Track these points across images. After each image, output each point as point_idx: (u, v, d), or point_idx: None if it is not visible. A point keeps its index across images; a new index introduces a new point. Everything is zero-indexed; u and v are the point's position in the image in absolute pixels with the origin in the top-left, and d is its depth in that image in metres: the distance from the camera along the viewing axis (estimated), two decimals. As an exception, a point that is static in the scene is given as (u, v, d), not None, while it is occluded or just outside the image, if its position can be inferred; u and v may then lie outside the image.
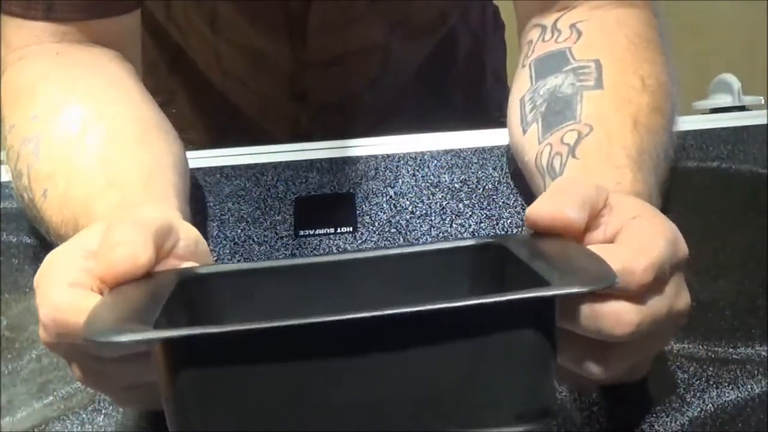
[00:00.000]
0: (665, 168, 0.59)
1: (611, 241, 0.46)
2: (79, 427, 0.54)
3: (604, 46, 0.63)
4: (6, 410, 0.56)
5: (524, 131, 0.62)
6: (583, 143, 0.56)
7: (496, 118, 0.91)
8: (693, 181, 0.70)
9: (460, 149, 0.74)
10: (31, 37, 0.65)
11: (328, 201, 0.70)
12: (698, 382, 0.55)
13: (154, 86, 0.69)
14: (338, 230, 0.67)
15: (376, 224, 0.68)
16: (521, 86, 0.65)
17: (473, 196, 0.70)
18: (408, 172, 0.72)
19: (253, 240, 0.67)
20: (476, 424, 0.40)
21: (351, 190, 0.71)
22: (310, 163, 0.73)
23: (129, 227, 0.45)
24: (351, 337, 0.38)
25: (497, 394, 0.40)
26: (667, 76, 0.62)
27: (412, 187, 0.71)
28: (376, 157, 0.74)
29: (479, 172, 0.72)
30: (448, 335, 0.39)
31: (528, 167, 0.62)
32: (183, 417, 0.39)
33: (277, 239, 0.67)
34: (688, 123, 0.75)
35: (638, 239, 0.45)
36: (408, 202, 0.69)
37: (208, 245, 0.55)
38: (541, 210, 0.46)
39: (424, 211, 0.69)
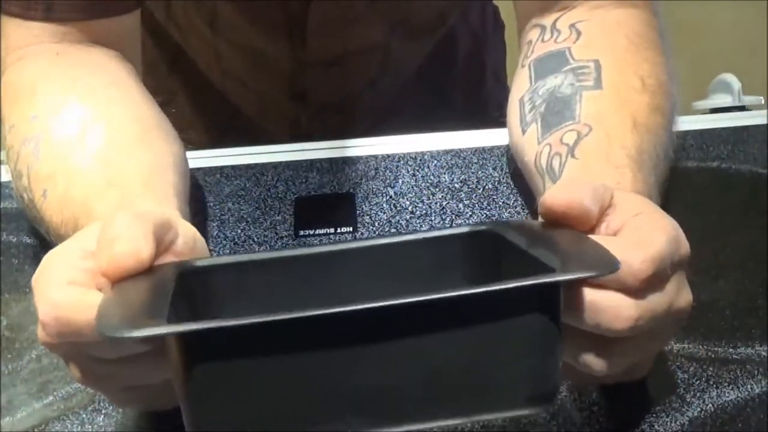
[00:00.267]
0: (665, 168, 0.59)
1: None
2: (79, 427, 0.54)
3: (603, 46, 0.63)
4: (6, 410, 0.56)
5: (524, 131, 0.62)
6: (582, 143, 0.56)
7: (496, 118, 0.91)
8: (693, 181, 0.70)
9: (460, 149, 0.74)
10: (30, 37, 0.65)
11: (328, 201, 0.70)
12: (698, 382, 0.55)
13: (154, 86, 0.69)
14: (338, 230, 0.67)
15: (376, 224, 0.68)
16: (521, 86, 0.65)
17: (473, 196, 0.70)
18: (408, 172, 0.72)
19: (253, 240, 0.67)
20: (483, 409, 0.40)
21: (351, 190, 0.71)
22: (310, 163, 0.73)
23: (128, 221, 0.45)
24: (362, 326, 0.38)
25: (504, 379, 0.40)
26: (667, 76, 0.62)
27: (412, 187, 0.71)
28: (376, 157, 0.74)
29: (479, 172, 0.72)
30: (456, 323, 0.39)
31: (527, 167, 0.62)
32: (198, 410, 0.39)
33: (277, 239, 0.67)
34: (688, 123, 0.75)
35: (638, 234, 0.45)
36: (408, 202, 0.69)
37: (208, 245, 0.55)
38: (559, 197, 0.46)
39: (424, 211, 0.69)
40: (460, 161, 0.73)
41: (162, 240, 0.46)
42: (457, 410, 0.40)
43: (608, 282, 0.42)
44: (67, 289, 0.44)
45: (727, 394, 0.54)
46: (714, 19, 2.07)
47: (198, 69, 0.91)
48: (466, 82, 0.99)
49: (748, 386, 0.54)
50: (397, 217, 0.68)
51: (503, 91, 0.69)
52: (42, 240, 0.64)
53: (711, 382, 0.55)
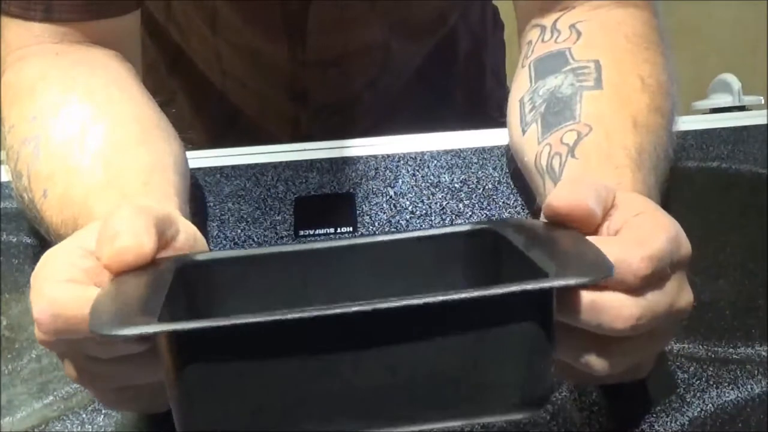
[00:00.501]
0: (665, 168, 0.59)
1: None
2: (79, 427, 0.54)
3: (603, 46, 0.63)
4: (6, 410, 0.56)
5: (524, 131, 0.62)
6: (582, 143, 0.56)
7: (496, 118, 0.91)
8: (693, 181, 0.70)
9: (460, 149, 0.74)
10: (30, 37, 0.65)
11: (328, 201, 0.70)
12: (698, 382, 0.55)
13: (154, 86, 0.69)
14: (338, 230, 0.67)
15: (376, 224, 0.68)
16: (521, 86, 0.65)
17: (473, 196, 0.70)
18: (408, 172, 0.72)
19: (253, 240, 0.67)
20: (473, 412, 0.41)
21: (351, 190, 0.71)
22: (310, 163, 0.73)
23: (130, 215, 0.44)
24: (352, 328, 0.39)
25: (494, 383, 0.40)
26: (666, 76, 0.62)
27: (412, 187, 0.71)
28: (376, 157, 0.74)
29: (479, 172, 0.72)
30: (446, 326, 0.39)
31: (527, 167, 0.62)
32: (187, 409, 0.39)
33: (277, 239, 0.67)
34: (688, 123, 0.75)
35: (638, 233, 0.45)
36: (408, 202, 0.69)
37: (208, 245, 0.55)
38: (563, 199, 0.46)
39: (424, 211, 0.69)
40: (460, 161, 0.73)
41: (163, 234, 0.46)
42: (447, 413, 0.40)
43: (608, 281, 0.42)
44: (65, 286, 0.43)
45: (727, 394, 0.54)
46: (714, 19, 2.07)
47: (198, 69, 0.91)
48: (466, 82, 0.99)
49: (748, 386, 0.54)
50: (397, 217, 0.68)
51: (503, 92, 0.69)
52: (42, 240, 0.64)
53: (711, 382, 0.55)
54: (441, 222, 0.67)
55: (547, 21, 0.67)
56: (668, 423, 0.52)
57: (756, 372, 0.55)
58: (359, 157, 0.74)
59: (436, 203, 0.69)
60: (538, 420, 0.53)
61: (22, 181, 0.60)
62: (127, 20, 0.69)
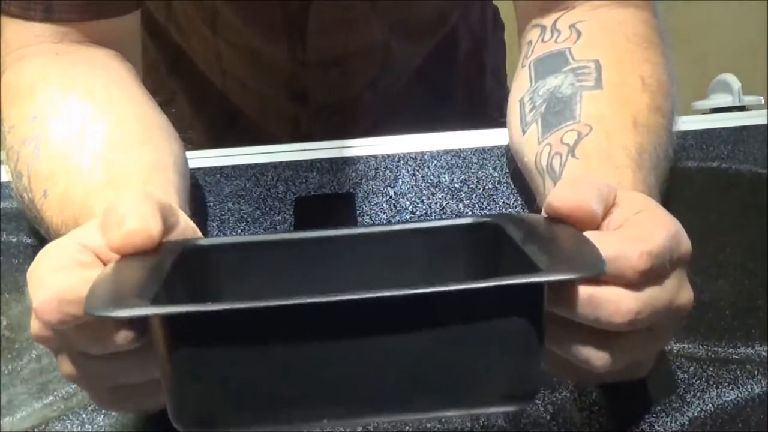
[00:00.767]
0: (665, 168, 0.59)
1: None
2: (79, 427, 0.54)
3: (603, 46, 0.63)
4: (6, 410, 0.56)
5: (524, 132, 0.62)
6: (582, 143, 0.56)
7: (496, 119, 0.91)
8: (693, 181, 0.70)
9: (460, 149, 0.74)
10: (30, 37, 0.65)
11: (328, 201, 0.70)
12: (698, 382, 0.55)
13: (154, 86, 0.69)
14: (338, 230, 0.67)
15: (376, 224, 0.68)
16: (521, 87, 0.65)
17: (473, 196, 0.70)
18: (408, 172, 0.72)
19: (253, 240, 0.67)
20: (463, 403, 0.41)
21: (351, 190, 0.71)
22: (310, 163, 0.73)
23: (136, 199, 0.44)
24: (341, 317, 0.39)
25: (484, 375, 0.40)
26: (667, 76, 0.62)
27: (412, 187, 0.71)
28: (376, 157, 0.74)
29: (479, 172, 0.72)
30: (437, 317, 0.39)
31: (527, 167, 0.62)
32: (179, 394, 0.40)
33: (277, 239, 0.67)
34: (688, 123, 0.75)
35: (638, 229, 0.45)
36: (408, 202, 0.69)
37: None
38: (565, 199, 0.46)
39: (424, 211, 0.69)
40: (460, 161, 0.73)
41: (166, 221, 0.46)
42: (436, 404, 0.40)
43: (607, 276, 0.42)
44: (67, 272, 0.43)
45: (727, 394, 0.54)
46: (714, 19, 2.07)
47: (198, 69, 0.91)
48: (466, 82, 0.99)
49: (748, 386, 0.54)
50: (397, 217, 0.68)
51: (503, 92, 0.69)
52: (42, 240, 0.64)
53: (711, 382, 0.55)
54: (441, 222, 0.67)
55: (547, 21, 0.67)
56: (668, 423, 0.52)
57: (756, 372, 0.55)
58: (359, 157, 0.74)
59: (436, 203, 0.69)
60: (538, 420, 0.53)
61: (22, 181, 0.60)
62: (128, 20, 0.69)
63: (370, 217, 0.68)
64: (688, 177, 0.70)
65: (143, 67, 0.73)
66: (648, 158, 0.56)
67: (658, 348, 0.50)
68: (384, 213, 0.69)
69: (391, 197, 0.70)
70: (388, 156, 0.74)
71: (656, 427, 0.52)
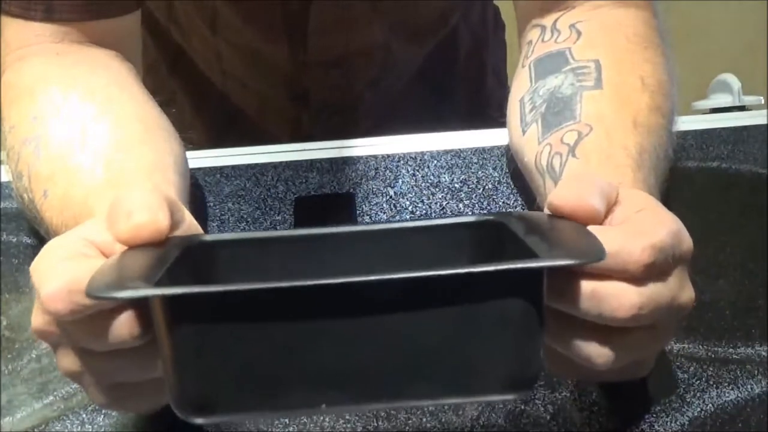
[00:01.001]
0: (665, 168, 0.59)
1: None
2: (79, 427, 0.54)
3: (603, 46, 0.63)
4: (6, 410, 0.56)
5: (524, 132, 0.62)
6: (582, 143, 0.56)
7: (497, 119, 0.91)
8: (693, 181, 0.70)
9: (460, 149, 0.74)
10: (31, 37, 0.65)
11: (328, 201, 0.70)
12: (698, 382, 0.55)
13: (154, 86, 0.69)
14: (338, 230, 0.67)
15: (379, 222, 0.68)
16: (521, 87, 0.65)
17: (473, 196, 0.70)
18: (408, 172, 0.72)
19: (253, 240, 0.67)
20: (463, 390, 0.41)
21: (351, 190, 0.71)
22: (310, 163, 0.73)
23: (144, 192, 0.45)
24: (340, 301, 0.39)
25: (483, 362, 0.40)
26: (667, 76, 0.62)
27: (412, 187, 0.71)
28: (376, 157, 0.74)
29: (479, 172, 0.72)
30: (437, 303, 0.39)
31: (527, 167, 0.62)
32: (180, 376, 0.40)
33: (277, 239, 0.67)
34: (688, 123, 0.75)
35: (640, 225, 0.45)
36: (408, 202, 0.69)
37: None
38: (566, 198, 0.46)
39: (424, 211, 0.69)
40: (460, 161, 0.73)
41: (173, 216, 0.46)
42: (435, 391, 0.40)
43: (610, 271, 0.42)
44: (76, 261, 0.43)
45: (727, 394, 0.54)
46: (714, 19, 2.07)
47: (199, 69, 0.91)
48: (467, 82, 0.99)
49: (748, 386, 0.54)
50: (397, 217, 0.68)
51: (504, 92, 0.69)
52: (42, 240, 0.64)
53: (711, 382, 0.55)
54: (441, 222, 0.67)
55: (547, 21, 0.67)
56: (668, 423, 0.52)
57: (756, 372, 0.55)
58: (359, 157, 0.74)
59: (436, 203, 0.69)
60: (538, 420, 0.53)
61: (22, 182, 0.60)
62: (128, 20, 0.69)
63: (370, 217, 0.68)
64: (688, 177, 0.70)
65: (144, 67, 0.73)
66: (648, 158, 0.56)
67: (660, 347, 0.50)
68: (384, 213, 0.69)
69: (391, 197, 0.70)
70: (388, 156, 0.74)
71: (656, 427, 0.52)
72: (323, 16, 0.81)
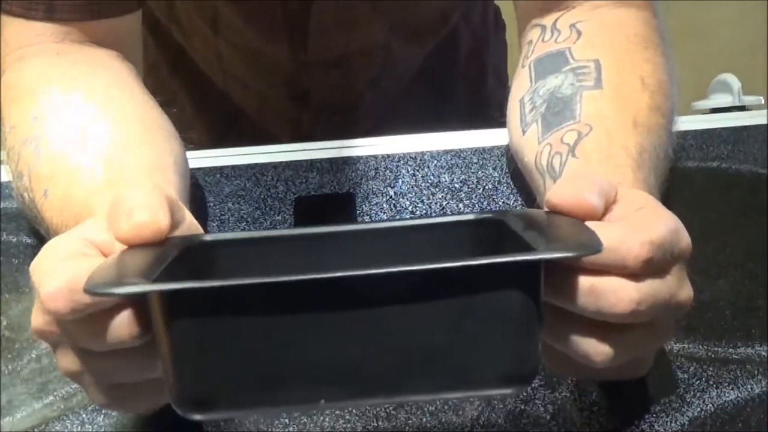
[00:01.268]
0: (665, 168, 0.59)
1: None
2: (79, 427, 0.54)
3: (603, 46, 0.63)
4: (6, 410, 0.56)
5: (524, 131, 0.62)
6: (582, 143, 0.56)
7: (497, 119, 0.91)
8: (693, 181, 0.70)
9: (460, 149, 0.74)
10: (31, 37, 0.65)
11: (328, 201, 0.70)
12: (698, 382, 0.55)
13: (155, 86, 0.69)
14: (338, 230, 0.67)
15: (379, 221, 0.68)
16: (521, 86, 0.65)
17: (473, 196, 0.70)
18: (408, 172, 0.72)
19: (254, 240, 0.67)
20: (461, 385, 0.41)
21: (351, 190, 0.71)
22: (310, 163, 0.73)
23: (144, 191, 0.45)
24: (338, 295, 0.39)
25: (481, 357, 0.40)
26: (667, 76, 0.62)
27: (412, 187, 0.71)
28: (376, 157, 0.74)
29: (479, 172, 0.72)
30: (434, 297, 0.39)
31: (527, 167, 0.62)
32: (179, 373, 0.40)
33: (278, 239, 0.67)
34: (688, 123, 0.75)
35: (638, 221, 0.45)
36: (408, 202, 0.70)
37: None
38: (564, 195, 0.46)
39: (424, 211, 0.69)
40: (460, 161, 0.73)
41: (173, 215, 0.46)
42: (433, 386, 0.40)
43: (608, 266, 0.43)
44: (76, 261, 0.43)
45: (727, 394, 0.54)
46: (714, 19, 2.07)
47: (199, 69, 0.91)
48: (467, 82, 0.99)
49: (748, 386, 0.54)
50: (397, 217, 0.68)
51: (505, 92, 0.69)
52: (42, 240, 0.64)
53: (711, 382, 0.55)
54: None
55: (547, 21, 0.67)
56: (668, 423, 0.52)
57: (756, 372, 0.55)
58: (359, 157, 0.74)
59: (436, 203, 0.69)
60: (538, 420, 0.53)
61: (23, 181, 0.60)
62: (129, 20, 0.69)
63: (370, 217, 0.68)
64: (688, 177, 0.70)
65: (144, 67, 0.73)
66: (648, 158, 0.56)
67: (658, 345, 0.50)
68: (384, 213, 0.69)
69: (391, 197, 0.70)
70: (388, 156, 0.74)
71: (656, 427, 0.52)
72: (323, 16, 0.81)
